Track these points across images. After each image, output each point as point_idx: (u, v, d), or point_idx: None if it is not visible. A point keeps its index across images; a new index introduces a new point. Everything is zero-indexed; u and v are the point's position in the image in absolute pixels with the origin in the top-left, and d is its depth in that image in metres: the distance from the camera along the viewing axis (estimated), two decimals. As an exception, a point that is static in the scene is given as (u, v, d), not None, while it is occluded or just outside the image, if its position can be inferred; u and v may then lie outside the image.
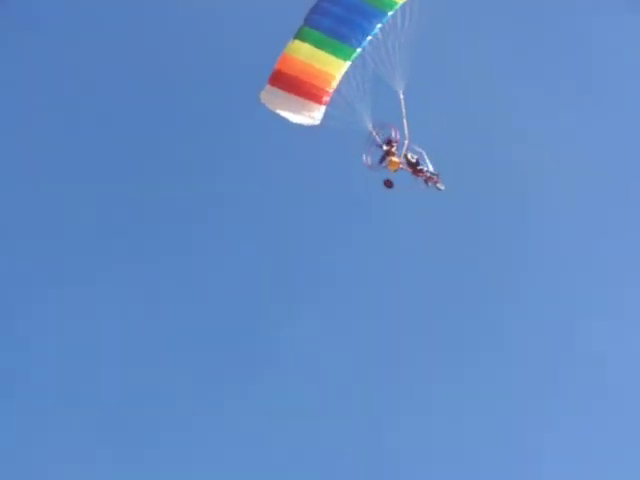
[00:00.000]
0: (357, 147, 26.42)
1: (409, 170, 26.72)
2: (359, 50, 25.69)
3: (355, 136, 26.11)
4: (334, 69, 25.63)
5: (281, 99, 25.88)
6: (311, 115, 25.83)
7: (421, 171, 26.75)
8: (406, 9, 25.63)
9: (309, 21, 26.13)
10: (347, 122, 25.70)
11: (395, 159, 26.31)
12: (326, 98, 25.80)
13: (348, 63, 25.68)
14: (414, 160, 26.68)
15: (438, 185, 27.12)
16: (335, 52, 25.72)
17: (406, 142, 26.46)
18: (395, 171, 26.46)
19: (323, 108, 25.87)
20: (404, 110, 26.08)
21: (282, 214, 43.17)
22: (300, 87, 25.72)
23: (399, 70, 25.86)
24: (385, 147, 26.39)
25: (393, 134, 26.31)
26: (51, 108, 43.62)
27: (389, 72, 25.85)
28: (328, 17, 25.96)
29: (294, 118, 25.91)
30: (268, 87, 26.06)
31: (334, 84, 25.69)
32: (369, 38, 25.74)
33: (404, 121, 26.24)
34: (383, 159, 26.46)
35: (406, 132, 26.35)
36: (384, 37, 25.81)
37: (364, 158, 26.31)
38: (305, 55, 25.76)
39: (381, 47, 25.80)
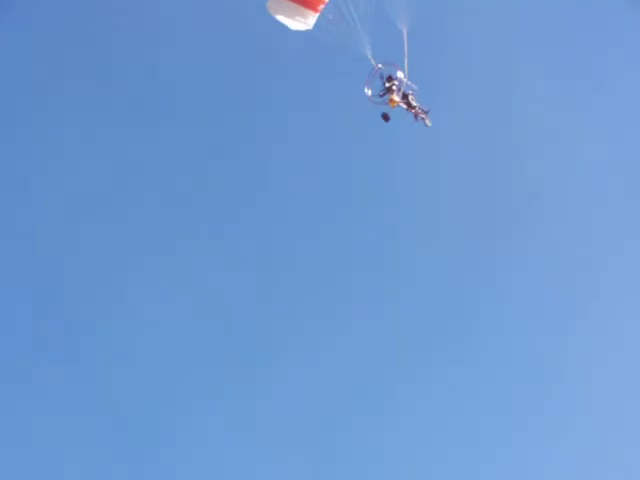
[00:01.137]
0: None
1: (404, 106, 28.85)
2: None
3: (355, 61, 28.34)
4: None
5: (283, 7, 28.26)
6: (306, 22, 28.35)
7: (414, 107, 28.96)
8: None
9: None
10: (347, 44, 27.82)
11: (395, 97, 28.43)
12: (321, 6, 28.28)
13: None
14: (413, 102, 28.74)
15: (426, 121, 29.35)
16: None
17: (405, 80, 28.55)
18: (393, 108, 28.61)
19: (316, 15, 28.36)
20: (406, 48, 28.10)
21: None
22: None
23: (405, 9, 27.75)
24: (387, 84, 28.50)
25: (399, 74, 28.30)
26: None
27: (396, 10, 27.77)
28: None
29: (292, 24, 28.40)
30: None
31: None
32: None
33: (405, 60, 28.29)
34: (384, 94, 28.58)
35: (406, 70, 28.41)
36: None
37: (366, 90, 28.43)
38: None
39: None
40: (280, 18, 28.26)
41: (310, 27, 28.30)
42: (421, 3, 27.83)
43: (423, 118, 29.21)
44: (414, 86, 28.69)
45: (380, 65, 28.37)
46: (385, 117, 28.63)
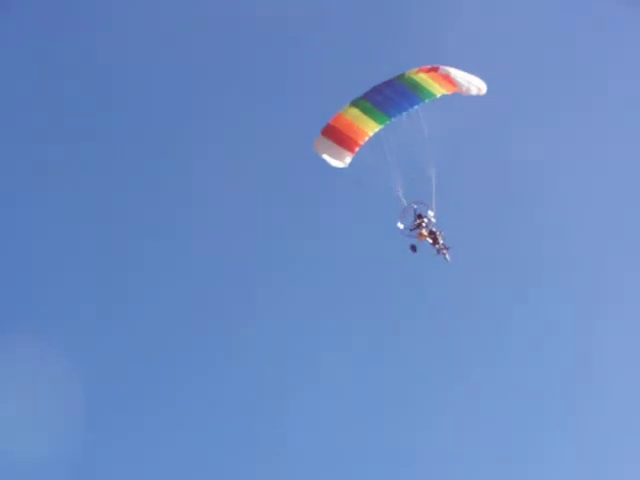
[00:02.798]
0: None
1: (430, 241, 32.93)
2: (392, 119, 32.57)
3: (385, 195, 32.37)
4: (369, 129, 32.79)
5: (326, 146, 32.87)
6: (344, 160, 32.81)
7: (438, 243, 33.17)
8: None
9: (365, 95, 33.15)
10: (379, 181, 32.00)
11: (424, 232, 32.99)
12: (357, 148, 32.85)
13: (381, 126, 32.73)
14: (439, 239, 33.16)
15: (447, 257, 33.47)
16: (374, 118, 32.83)
17: (434, 220, 33.00)
18: (421, 241, 32.79)
19: (352, 155, 32.81)
20: (434, 190, 32.15)
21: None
22: (341, 138, 32.89)
23: (434, 158, 32.01)
24: (418, 220, 33.06)
25: (429, 213, 32.47)
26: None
27: (426, 158, 32.02)
28: (380, 94, 32.78)
29: (331, 161, 32.89)
30: (320, 136, 33.23)
31: (365, 139, 32.76)
32: (404, 113, 32.17)
33: (433, 199, 32.56)
34: (414, 229, 32.89)
35: (434, 209, 32.81)
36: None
37: (399, 224, 32.62)
38: (353, 116, 33.02)
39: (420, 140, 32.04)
40: (322, 155, 32.61)
41: (346, 165, 32.72)
42: (447, 151, 32.09)
43: (444, 254, 33.39)
44: (440, 226, 32.81)
45: (414, 205, 32.72)
46: (413, 248, 33.02)
